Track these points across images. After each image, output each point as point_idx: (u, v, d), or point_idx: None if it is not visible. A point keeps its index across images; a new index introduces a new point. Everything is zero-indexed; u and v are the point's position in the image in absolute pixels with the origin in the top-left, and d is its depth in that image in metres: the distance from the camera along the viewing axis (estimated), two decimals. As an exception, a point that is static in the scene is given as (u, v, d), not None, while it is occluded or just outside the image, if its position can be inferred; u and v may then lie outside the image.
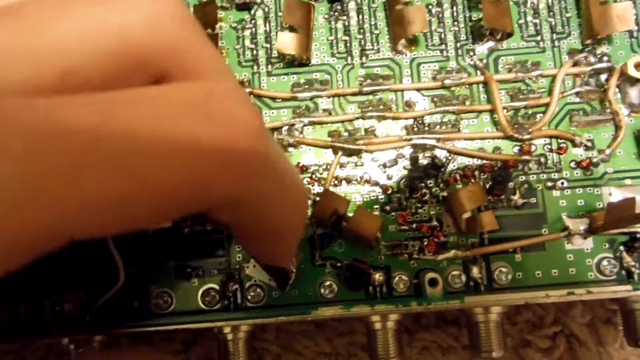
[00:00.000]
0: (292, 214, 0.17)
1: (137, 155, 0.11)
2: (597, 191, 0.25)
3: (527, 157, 0.25)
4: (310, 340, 0.29)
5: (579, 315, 0.28)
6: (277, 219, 0.16)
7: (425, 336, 0.29)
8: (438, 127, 0.26)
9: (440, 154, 0.26)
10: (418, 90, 0.26)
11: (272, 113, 0.26)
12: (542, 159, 0.26)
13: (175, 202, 0.12)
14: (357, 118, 0.26)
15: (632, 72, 0.24)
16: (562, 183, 0.25)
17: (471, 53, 0.27)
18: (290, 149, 0.26)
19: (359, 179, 0.26)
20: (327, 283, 0.25)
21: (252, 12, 0.27)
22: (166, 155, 0.12)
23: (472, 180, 0.25)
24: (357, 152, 0.26)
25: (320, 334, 0.29)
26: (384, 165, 0.26)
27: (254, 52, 0.27)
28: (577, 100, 0.26)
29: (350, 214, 0.24)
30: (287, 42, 0.25)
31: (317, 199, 0.25)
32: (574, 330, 0.28)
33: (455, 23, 0.27)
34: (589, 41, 0.26)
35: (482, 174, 0.26)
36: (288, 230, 0.17)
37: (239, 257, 0.25)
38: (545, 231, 0.25)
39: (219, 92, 0.13)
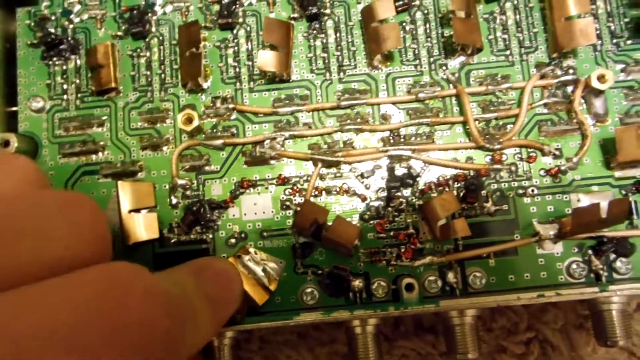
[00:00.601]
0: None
1: None
2: (566, 197, 0.26)
3: (498, 166, 0.27)
4: (293, 350, 0.30)
5: (551, 321, 0.29)
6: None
7: (404, 344, 0.30)
8: (413, 138, 0.27)
9: (416, 164, 0.27)
10: (394, 103, 0.28)
11: (255, 127, 0.28)
12: (513, 168, 0.27)
13: None
14: (336, 131, 0.27)
15: (595, 84, 0.26)
16: (533, 190, 0.27)
17: (444, 67, 0.28)
18: (272, 162, 0.27)
19: (338, 190, 0.27)
20: (309, 290, 0.26)
21: (235, 31, 0.28)
22: None
23: (446, 189, 0.27)
24: (336, 164, 0.27)
25: (303, 344, 0.30)
26: (362, 176, 0.27)
27: (237, 69, 0.28)
28: (545, 111, 0.27)
29: (330, 223, 0.25)
30: (267, 60, 0.26)
31: (298, 209, 0.26)
32: (547, 335, 0.29)
33: (429, 39, 0.28)
34: (555, 55, 0.27)
35: (455, 182, 0.27)
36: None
37: (224, 267, 0.26)
38: (517, 237, 0.26)
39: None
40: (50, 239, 0.14)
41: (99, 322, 0.13)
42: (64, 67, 0.29)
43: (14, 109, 0.28)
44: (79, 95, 0.28)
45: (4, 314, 0.13)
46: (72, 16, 0.29)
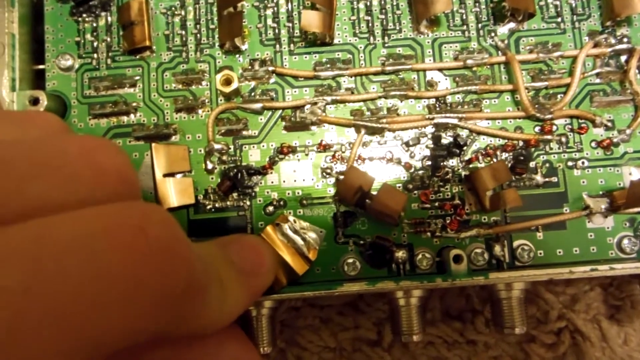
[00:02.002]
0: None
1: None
2: (617, 171, 0.26)
3: (548, 137, 0.26)
4: (315, 335, 0.29)
5: (583, 311, 0.28)
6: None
7: (430, 331, 0.29)
8: (460, 106, 0.26)
9: (463, 133, 0.26)
10: (440, 70, 0.26)
11: (295, 92, 0.26)
12: (563, 139, 0.26)
13: (105, 341, 0.12)
14: (380, 97, 0.26)
15: (653, 52, 0.25)
16: (583, 162, 0.26)
17: (492, 34, 0.27)
18: (313, 128, 0.26)
19: (381, 158, 0.26)
20: (350, 260, 0.25)
21: (274, -9, 0.27)
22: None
23: (494, 160, 0.26)
24: (380, 131, 0.26)
25: (325, 329, 0.29)
26: (407, 144, 0.26)
27: (276, 31, 0.27)
28: (598, 81, 0.26)
29: (374, 192, 0.24)
30: (311, 19, 0.25)
31: (341, 177, 0.25)
32: (578, 325, 0.28)
33: (477, 4, 0.27)
34: (608, 23, 0.26)
35: (504, 153, 0.26)
36: None
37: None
38: (566, 210, 0.25)
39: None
40: (73, 180, 0.14)
41: (110, 264, 0.12)
42: (94, 25, 0.27)
43: (42, 67, 0.27)
44: (110, 54, 0.27)
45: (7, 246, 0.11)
46: (103, -29, 0.28)
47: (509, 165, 0.26)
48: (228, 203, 0.26)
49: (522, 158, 0.26)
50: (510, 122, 0.26)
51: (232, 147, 0.26)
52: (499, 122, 0.26)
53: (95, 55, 0.27)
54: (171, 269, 0.13)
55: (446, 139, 0.26)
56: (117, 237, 0.12)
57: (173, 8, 0.27)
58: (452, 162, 0.26)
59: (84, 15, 0.27)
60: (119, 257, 0.12)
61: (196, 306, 0.15)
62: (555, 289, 0.28)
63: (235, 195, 0.26)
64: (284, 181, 0.26)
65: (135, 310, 0.13)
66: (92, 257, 0.12)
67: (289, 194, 0.26)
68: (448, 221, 0.25)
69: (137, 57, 0.27)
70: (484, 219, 0.25)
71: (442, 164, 0.26)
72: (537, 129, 0.26)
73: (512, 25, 0.27)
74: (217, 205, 0.26)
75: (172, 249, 0.13)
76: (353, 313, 0.29)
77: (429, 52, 0.27)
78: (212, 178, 0.26)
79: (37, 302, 0.11)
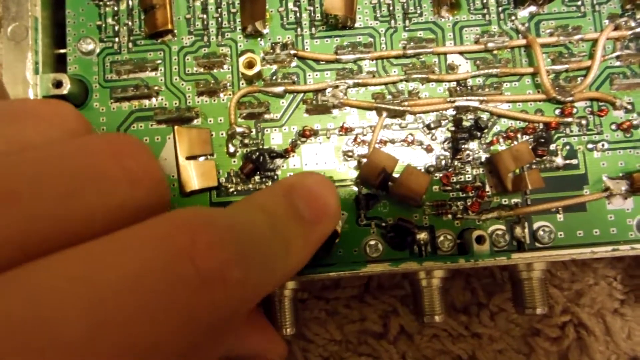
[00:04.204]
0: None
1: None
2: (637, 153, 0.26)
3: (568, 119, 0.26)
4: (321, 327, 0.29)
5: (587, 306, 0.28)
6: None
7: (435, 324, 0.29)
8: (480, 89, 0.26)
9: (483, 116, 0.26)
10: (461, 53, 0.27)
11: (316, 75, 0.26)
12: (584, 121, 0.26)
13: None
14: (402, 80, 0.26)
15: (675, 34, 0.25)
16: (603, 145, 0.26)
17: (513, 17, 0.27)
18: (334, 111, 0.26)
19: (402, 141, 0.26)
20: (372, 242, 0.25)
21: (295, -25, 0.27)
22: None
23: (514, 142, 0.26)
24: (401, 114, 0.26)
25: (331, 321, 0.29)
26: (428, 127, 0.26)
27: (297, 14, 0.27)
28: (618, 63, 0.26)
29: (397, 175, 0.25)
30: (334, 3, 0.25)
31: (364, 160, 0.25)
32: (583, 319, 0.28)
33: (497, -12, 0.27)
34: (628, 6, 0.26)
35: (524, 135, 0.26)
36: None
37: (284, 217, 0.26)
38: (586, 192, 0.26)
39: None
40: (105, 187, 0.13)
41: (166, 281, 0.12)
42: (115, 8, 0.27)
43: (63, 51, 0.27)
44: (131, 37, 0.27)
45: (69, 276, 0.11)
46: (123, -45, 0.28)
47: (531, 147, 0.26)
48: (250, 186, 0.26)
49: (542, 140, 0.26)
50: (531, 104, 0.26)
51: (254, 130, 0.26)
52: (519, 105, 0.26)
53: (116, 39, 0.27)
54: (223, 300, 0.13)
55: (467, 121, 0.26)
56: (167, 275, 0.12)
57: (194, -8, 0.27)
58: (473, 144, 0.26)
59: (105, -1, 0.27)
60: (170, 297, 0.12)
61: (252, 290, 0.14)
62: (562, 285, 0.28)
63: (257, 178, 0.26)
64: (305, 164, 0.26)
65: (186, 341, 0.12)
66: (146, 297, 0.12)
67: (311, 176, 0.26)
68: (469, 203, 0.26)
69: (159, 41, 0.27)
70: (505, 201, 0.26)
71: (463, 146, 0.26)
72: (557, 111, 0.26)
73: (532, 8, 0.27)
74: (239, 188, 0.26)
75: (223, 278, 0.13)
76: (359, 306, 0.29)
77: (450, 35, 0.27)
78: (234, 161, 0.26)
79: (102, 351, 0.11)
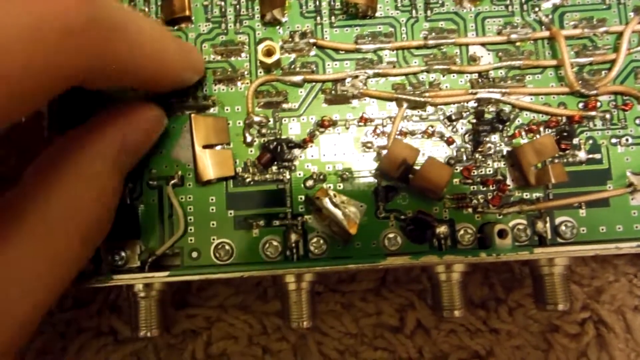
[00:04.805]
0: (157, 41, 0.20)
1: None
2: (662, 148, 0.25)
3: (592, 113, 0.25)
4: (337, 321, 0.29)
5: (607, 302, 0.28)
6: (146, 67, 0.19)
7: (453, 319, 0.28)
8: (502, 81, 0.26)
9: (505, 108, 0.26)
10: (483, 44, 0.26)
11: (335, 65, 0.26)
12: (607, 115, 0.25)
13: (29, 85, 0.14)
14: (423, 71, 0.26)
15: None
16: (627, 139, 0.25)
17: (536, 9, 0.26)
18: (354, 102, 0.26)
19: (423, 133, 0.26)
20: (391, 235, 0.25)
21: (315, -38, 0.27)
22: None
23: (537, 136, 0.25)
24: (422, 105, 0.26)
25: (347, 315, 0.29)
26: (449, 119, 0.26)
27: (317, 2, 0.27)
28: (643, 57, 0.26)
29: (417, 167, 0.24)
30: (356, -10, 0.25)
31: (384, 151, 0.25)
32: (603, 316, 0.28)
33: (520, -21, 0.27)
34: (655, -1, 0.26)
35: (547, 129, 0.26)
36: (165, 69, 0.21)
37: (301, 208, 0.25)
38: (609, 187, 0.25)
39: None
40: None
41: None
42: (132, -6, 0.27)
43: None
44: (148, 24, 0.27)
45: None
46: (140, -60, 0.27)
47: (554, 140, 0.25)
48: (267, 176, 0.26)
49: (565, 134, 0.25)
50: (554, 97, 0.26)
51: (271, 119, 0.26)
52: (542, 98, 0.26)
53: (132, 26, 0.27)
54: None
55: (489, 114, 0.26)
56: None
57: (212, -22, 0.27)
58: (495, 137, 0.26)
59: (122, -16, 0.27)
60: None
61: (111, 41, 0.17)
62: (581, 281, 0.28)
63: (274, 168, 0.26)
64: (324, 155, 0.26)
65: (40, 46, 0.14)
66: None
67: (329, 167, 0.26)
68: (490, 197, 0.25)
69: (175, 27, 0.27)
70: (526, 195, 0.25)
71: (484, 139, 0.25)
72: (581, 105, 0.26)
73: (556, 0, 0.26)
74: (256, 178, 0.26)
75: None
76: (375, 299, 0.29)
77: (472, 26, 0.26)
78: (252, 151, 0.26)
79: None
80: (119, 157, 0.21)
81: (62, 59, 0.15)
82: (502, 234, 0.24)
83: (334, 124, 0.26)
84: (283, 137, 0.26)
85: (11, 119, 0.15)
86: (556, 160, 0.25)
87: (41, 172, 0.19)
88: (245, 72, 0.26)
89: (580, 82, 0.25)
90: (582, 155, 0.25)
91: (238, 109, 0.26)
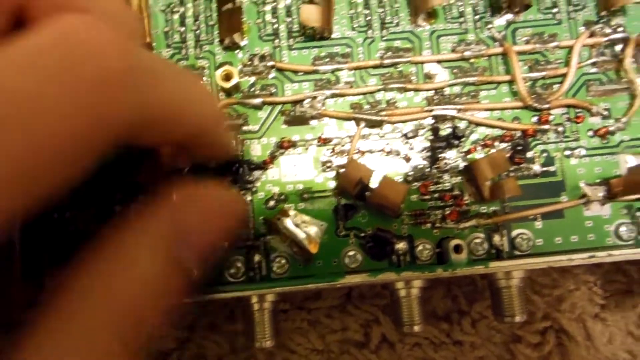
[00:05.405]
0: (199, 102, 0.18)
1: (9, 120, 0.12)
2: (614, 159, 0.26)
3: (545, 127, 0.26)
4: (303, 337, 0.29)
5: (568, 311, 0.28)
6: (189, 114, 0.17)
7: (417, 332, 0.29)
8: (458, 98, 0.26)
9: (461, 124, 0.26)
10: (438, 62, 0.27)
11: (294, 86, 0.27)
12: (560, 128, 0.26)
13: (74, 150, 0.13)
14: (379, 90, 0.26)
15: (648, 41, 0.25)
16: (580, 151, 0.26)
17: (489, 25, 0.27)
18: (313, 122, 0.26)
19: (381, 151, 0.26)
20: (351, 253, 0.25)
21: (272, -14, 0.27)
22: (40, 113, 0.12)
23: (492, 150, 0.26)
24: (379, 124, 0.26)
25: (313, 331, 0.29)
26: (406, 137, 0.26)
27: (275, 26, 0.27)
28: (594, 70, 0.26)
29: (374, 185, 0.25)
30: (311, 14, 0.25)
31: (342, 170, 0.26)
32: (564, 325, 0.28)
33: (473, -4, 0.27)
34: (604, 13, 0.27)
35: (502, 143, 0.26)
36: (206, 117, 0.18)
37: (263, 229, 0.26)
38: (564, 199, 0.26)
39: (74, 31, 0.13)
40: None
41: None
42: (94, 23, 0.27)
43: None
44: (110, 52, 0.27)
45: None
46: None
47: (508, 155, 0.26)
48: (230, 198, 0.26)
49: (520, 148, 0.26)
50: (509, 112, 0.26)
51: (233, 142, 0.26)
52: (497, 113, 0.26)
53: (95, 54, 0.27)
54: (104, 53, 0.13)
55: (445, 130, 0.26)
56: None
57: (172, 5, 0.27)
58: (451, 153, 0.26)
59: (83, 13, 0.27)
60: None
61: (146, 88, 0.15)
62: (542, 290, 0.28)
63: (236, 190, 0.26)
64: (284, 175, 0.26)
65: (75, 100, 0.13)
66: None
67: (290, 187, 0.26)
68: (448, 212, 0.26)
69: (137, 54, 0.27)
70: (483, 209, 0.26)
71: (441, 155, 0.26)
72: (534, 119, 0.26)
73: (508, 16, 0.27)
74: (219, 200, 0.26)
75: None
76: (340, 315, 0.29)
77: (427, 44, 0.27)
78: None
79: None
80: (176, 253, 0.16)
81: (103, 111, 0.13)
82: (457, 249, 0.24)
83: (293, 145, 0.26)
84: (245, 159, 0.26)
85: (58, 185, 0.13)
86: (512, 174, 0.26)
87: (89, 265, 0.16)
88: (206, 96, 0.27)
89: (533, 96, 0.26)
90: (536, 168, 0.26)
91: (200, 133, 0.26)
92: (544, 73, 0.26)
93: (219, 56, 0.27)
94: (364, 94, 0.27)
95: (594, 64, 0.26)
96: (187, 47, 0.27)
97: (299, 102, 0.26)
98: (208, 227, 0.17)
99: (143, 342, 0.16)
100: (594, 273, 0.29)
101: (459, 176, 0.26)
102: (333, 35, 0.27)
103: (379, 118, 0.26)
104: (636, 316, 0.28)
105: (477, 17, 0.27)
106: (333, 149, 0.26)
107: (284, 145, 0.26)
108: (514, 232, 0.25)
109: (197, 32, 0.27)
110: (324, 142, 0.26)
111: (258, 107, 0.26)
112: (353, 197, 0.25)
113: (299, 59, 0.27)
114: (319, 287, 0.24)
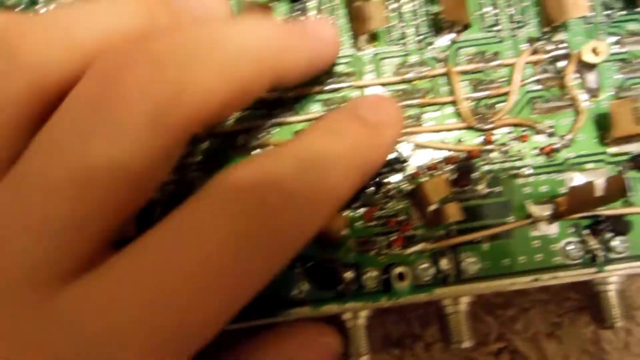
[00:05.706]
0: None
1: None
2: (560, 177, 0.26)
3: (490, 147, 0.26)
4: None
5: (522, 331, 0.28)
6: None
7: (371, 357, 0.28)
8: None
9: (405, 148, 0.26)
10: (382, 85, 0.26)
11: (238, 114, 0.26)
12: (505, 148, 0.26)
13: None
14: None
15: (586, 58, 0.25)
16: (526, 170, 0.26)
17: (431, 46, 0.27)
18: (255, 152, 0.26)
19: (325, 177, 0.26)
20: (298, 283, 0.25)
21: (211, 15, 0.27)
22: None
23: (437, 173, 0.26)
24: (322, 151, 0.26)
25: None
26: (350, 163, 0.26)
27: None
28: (538, 87, 0.26)
29: (318, 213, 0.24)
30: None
31: (284, 199, 0.25)
32: (518, 346, 0.28)
33: (415, 17, 0.27)
34: (546, 29, 0.26)
35: (447, 165, 0.26)
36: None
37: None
38: (511, 219, 0.25)
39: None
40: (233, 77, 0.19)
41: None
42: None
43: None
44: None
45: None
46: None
47: (453, 177, 0.26)
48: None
49: (465, 170, 0.26)
50: (453, 134, 0.26)
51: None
52: (441, 135, 0.26)
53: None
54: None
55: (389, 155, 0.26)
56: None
57: None
58: (396, 177, 0.26)
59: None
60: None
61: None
62: (496, 311, 0.28)
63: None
64: (229, 206, 0.26)
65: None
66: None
67: (234, 219, 0.26)
68: (394, 238, 0.25)
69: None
70: (430, 233, 0.25)
71: (385, 180, 0.26)
72: (479, 139, 0.26)
73: (451, 36, 0.27)
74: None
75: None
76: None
77: (369, 68, 0.27)
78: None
79: None
80: None
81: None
82: (401, 276, 0.24)
83: (237, 175, 0.26)
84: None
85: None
86: (457, 196, 0.25)
87: None
88: (148, 129, 0.26)
89: (477, 116, 0.26)
90: (482, 189, 0.26)
91: (143, 167, 0.26)
92: (487, 92, 0.26)
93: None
94: (308, 120, 0.26)
95: (537, 81, 0.26)
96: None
97: (242, 131, 0.26)
98: None
99: None
100: (547, 290, 0.28)
101: (404, 201, 0.26)
102: (274, 62, 0.27)
103: (321, 145, 0.26)
104: (591, 333, 0.27)
105: (420, 38, 0.27)
106: (277, 177, 0.26)
107: (227, 176, 0.26)
108: (462, 256, 0.25)
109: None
110: (267, 171, 0.26)
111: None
112: (296, 227, 0.25)
113: (240, 88, 0.27)
114: (257, 324, 0.23)
